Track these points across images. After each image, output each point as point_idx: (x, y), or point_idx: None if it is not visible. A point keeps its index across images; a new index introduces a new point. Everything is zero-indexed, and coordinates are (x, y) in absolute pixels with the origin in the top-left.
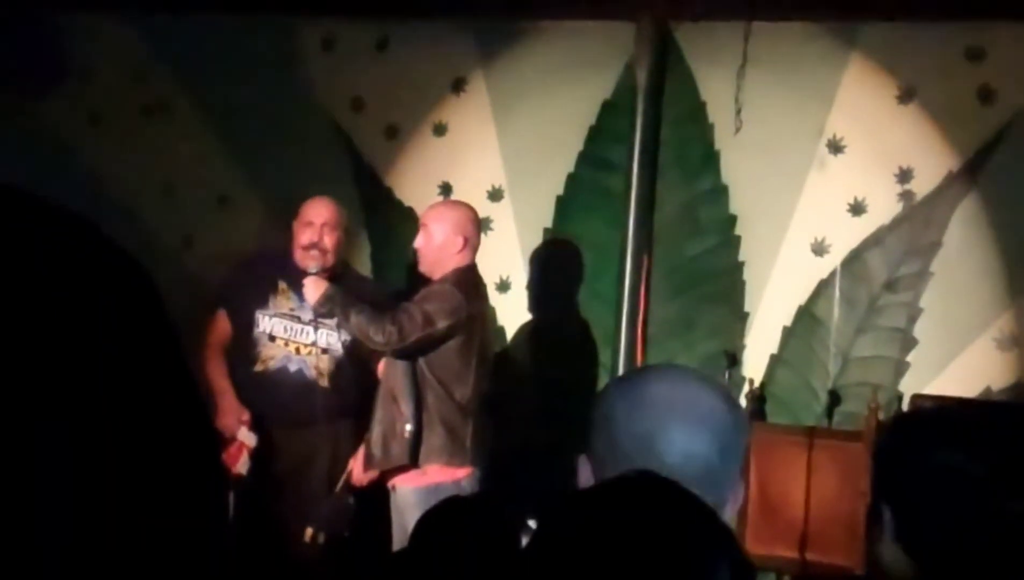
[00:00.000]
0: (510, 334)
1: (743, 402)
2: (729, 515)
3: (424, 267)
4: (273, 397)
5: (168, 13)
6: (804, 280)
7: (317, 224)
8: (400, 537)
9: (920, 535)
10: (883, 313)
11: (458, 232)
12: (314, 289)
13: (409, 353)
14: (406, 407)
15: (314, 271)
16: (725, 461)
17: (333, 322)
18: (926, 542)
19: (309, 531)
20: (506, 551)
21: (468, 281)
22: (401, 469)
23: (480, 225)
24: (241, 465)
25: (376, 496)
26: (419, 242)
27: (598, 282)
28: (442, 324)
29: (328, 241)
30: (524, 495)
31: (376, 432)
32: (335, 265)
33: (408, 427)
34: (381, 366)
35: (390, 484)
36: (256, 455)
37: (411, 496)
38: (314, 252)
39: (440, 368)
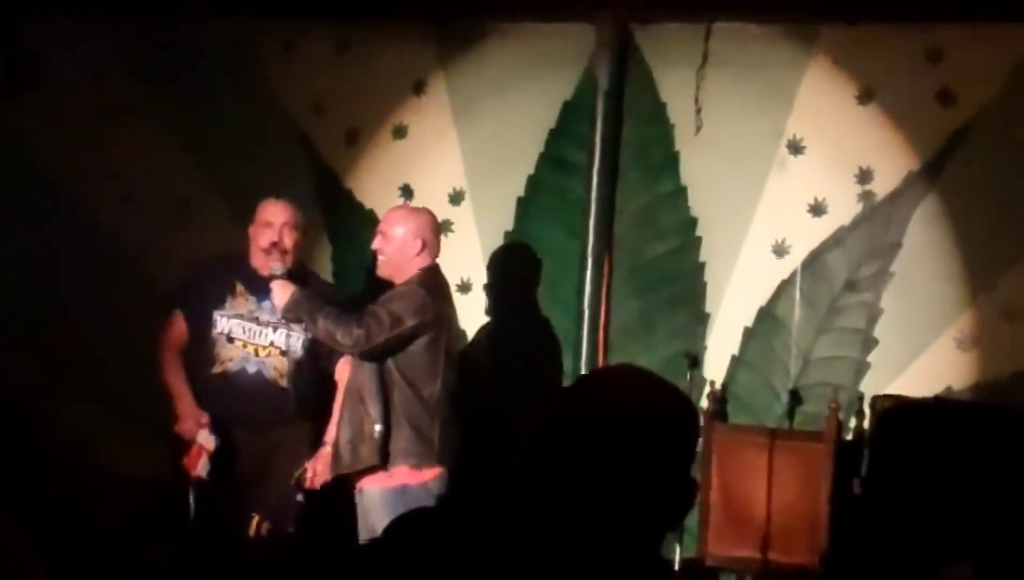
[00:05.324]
0: (471, 336)
1: (705, 403)
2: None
3: (384, 272)
4: (232, 398)
5: (127, 17)
6: (765, 281)
7: (276, 224)
8: (366, 538)
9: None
10: (844, 314)
11: (416, 235)
12: (281, 294)
13: (377, 355)
14: (374, 408)
15: (279, 273)
16: None
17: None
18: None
19: (255, 520)
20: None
21: (432, 281)
22: (369, 470)
23: (439, 229)
24: (201, 468)
25: (337, 496)
26: (377, 244)
27: (558, 284)
28: (409, 323)
29: (288, 241)
30: (488, 494)
31: (344, 434)
32: (295, 266)
33: (377, 428)
34: (339, 367)
35: (357, 486)
36: (215, 457)
37: (378, 498)
38: (274, 253)
39: (408, 367)
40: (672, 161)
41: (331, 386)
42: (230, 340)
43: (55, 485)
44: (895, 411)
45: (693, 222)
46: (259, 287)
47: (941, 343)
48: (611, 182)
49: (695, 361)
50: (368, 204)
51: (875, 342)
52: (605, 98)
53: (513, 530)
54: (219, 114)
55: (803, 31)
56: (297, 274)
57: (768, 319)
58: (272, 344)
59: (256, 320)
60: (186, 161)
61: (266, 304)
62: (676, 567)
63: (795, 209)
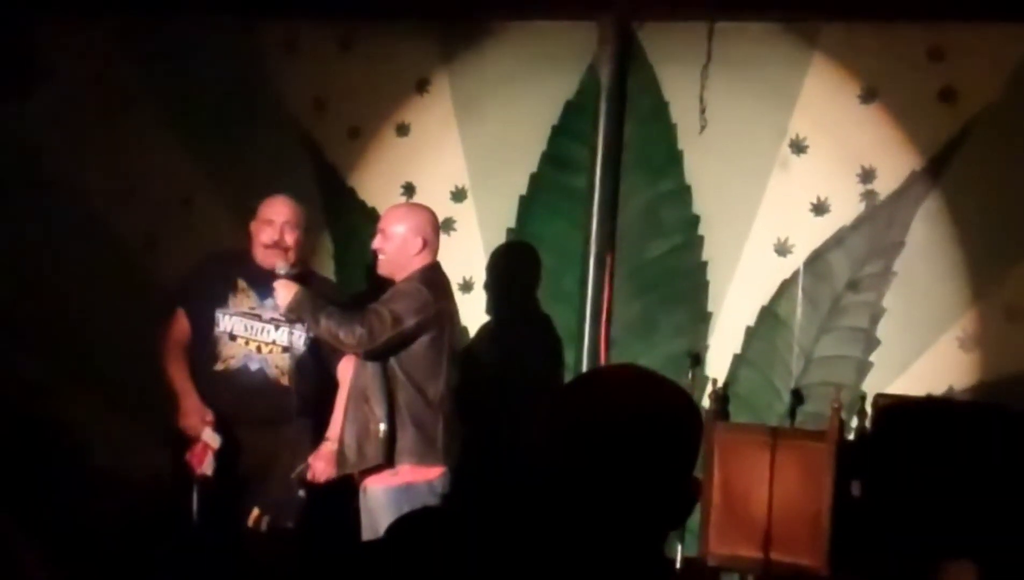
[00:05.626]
0: (473, 334)
1: (706, 402)
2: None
3: (384, 270)
4: (234, 396)
5: (130, 15)
6: (767, 280)
7: (278, 222)
8: (370, 536)
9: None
10: (846, 313)
11: (417, 233)
12: (284, 294)
13: (380, 354)
14: (378, 407)
15: (283, 273)
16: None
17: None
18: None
19: (255, 513)
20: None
21: (433, 279)
22: (374, 469)
23: (438, 227)
24: (206, 466)
25: (340, 493)
26: (377, 243)
27: (561, 282)
28: (411, 322)
29: (289, 239)
30: (492, 492)
31: (349, 434)
32: (298, 265)
33: (382, 427)
34: (341, 365)
35: (361, 485)
36: (220, 455)
37: (382, 496)
38: (276, 251)
39: (411, 366)
40: (675, 160)
41: (333, 384)
42: (232, 338)
43: (56, 484)
44: (897, 410)
45: (695, 221)
46: (261, 284)
47: (943, 343)
48: (613, 181)
49: (697, 360)
50: (370, 202)
51: (877, 341)
52: (607, 97)
53: (516, 529)
54: (222, 112)
55: (806, 30)
56: (299, 273)
57: (770, 318)
58: (274, 342)
59: (258, 317)
60: (188, 158)
61: (268, 301)
62: (678, 566)
63: (797, 208)
